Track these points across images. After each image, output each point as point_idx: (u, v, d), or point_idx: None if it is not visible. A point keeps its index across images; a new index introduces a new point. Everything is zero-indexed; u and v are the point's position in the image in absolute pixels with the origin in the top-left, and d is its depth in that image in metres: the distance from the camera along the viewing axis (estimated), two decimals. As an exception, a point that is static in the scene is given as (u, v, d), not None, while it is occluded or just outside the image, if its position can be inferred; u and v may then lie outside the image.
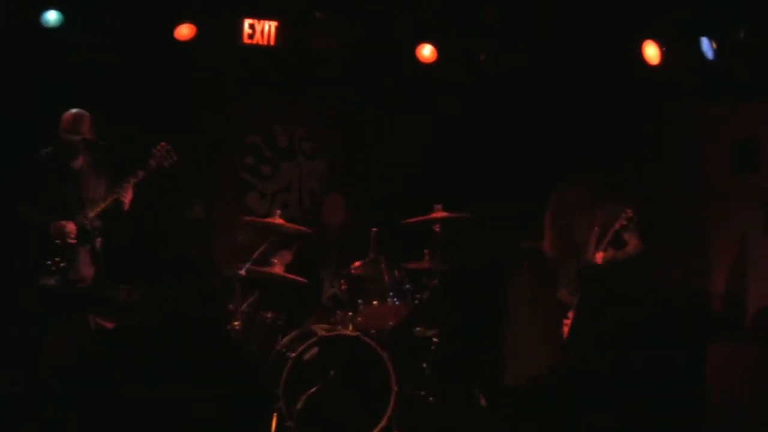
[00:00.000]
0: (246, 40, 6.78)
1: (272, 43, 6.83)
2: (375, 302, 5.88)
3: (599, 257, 5.94)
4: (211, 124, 7.54)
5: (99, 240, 5.65)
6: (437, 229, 6.17)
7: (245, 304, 5.97)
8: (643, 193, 6.59)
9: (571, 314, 6.10)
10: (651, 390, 5.99)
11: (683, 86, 6.55)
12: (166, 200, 7.05)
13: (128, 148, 5.67)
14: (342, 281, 6.03)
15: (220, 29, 6.85)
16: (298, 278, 5.99)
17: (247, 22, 6.77)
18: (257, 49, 6.90)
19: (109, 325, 5.97)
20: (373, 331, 5.92)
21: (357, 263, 6.03)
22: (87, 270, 5.58)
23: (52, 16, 6.40)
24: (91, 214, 5.56)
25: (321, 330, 5.69)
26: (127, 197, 5.60)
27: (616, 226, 5.89)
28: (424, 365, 6.22)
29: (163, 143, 5.66)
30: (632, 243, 5.98)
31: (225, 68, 7.29)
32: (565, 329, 6.08)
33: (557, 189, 6.52)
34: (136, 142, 5.78)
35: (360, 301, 5.89)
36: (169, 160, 5.63)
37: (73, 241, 5.48)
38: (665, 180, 7.02)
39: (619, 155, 6.96)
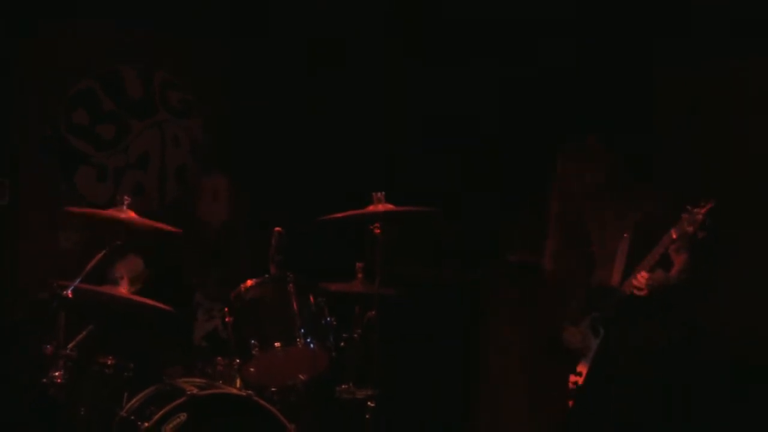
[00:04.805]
0: None
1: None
2: (277, 344, 5.61)
3: (640, 279, 5.48)
4: (12, 56, 6.97)
5: None
6: (377, 232, 5.74)
7: (71, 344, 5.42)
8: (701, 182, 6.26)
9: (582, 369, 5.84)
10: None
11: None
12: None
13: None
14: (226, 310, 5.74)
15: None
16: (156, 304, 5.53)
17: None
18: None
19: None
20: (273, 390, 5.66)
21: (249, 282, 5.74)
22: None
23: None
24: None
25: (191, 387, 5.40)
26: None
27: (665, 242, 5.41)
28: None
29: None
30: (679, 259, 5.55)
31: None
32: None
33: (561, 158, 6.00)
34: None
35: (253, 341, 5.59)
36: None
37: None
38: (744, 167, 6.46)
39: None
